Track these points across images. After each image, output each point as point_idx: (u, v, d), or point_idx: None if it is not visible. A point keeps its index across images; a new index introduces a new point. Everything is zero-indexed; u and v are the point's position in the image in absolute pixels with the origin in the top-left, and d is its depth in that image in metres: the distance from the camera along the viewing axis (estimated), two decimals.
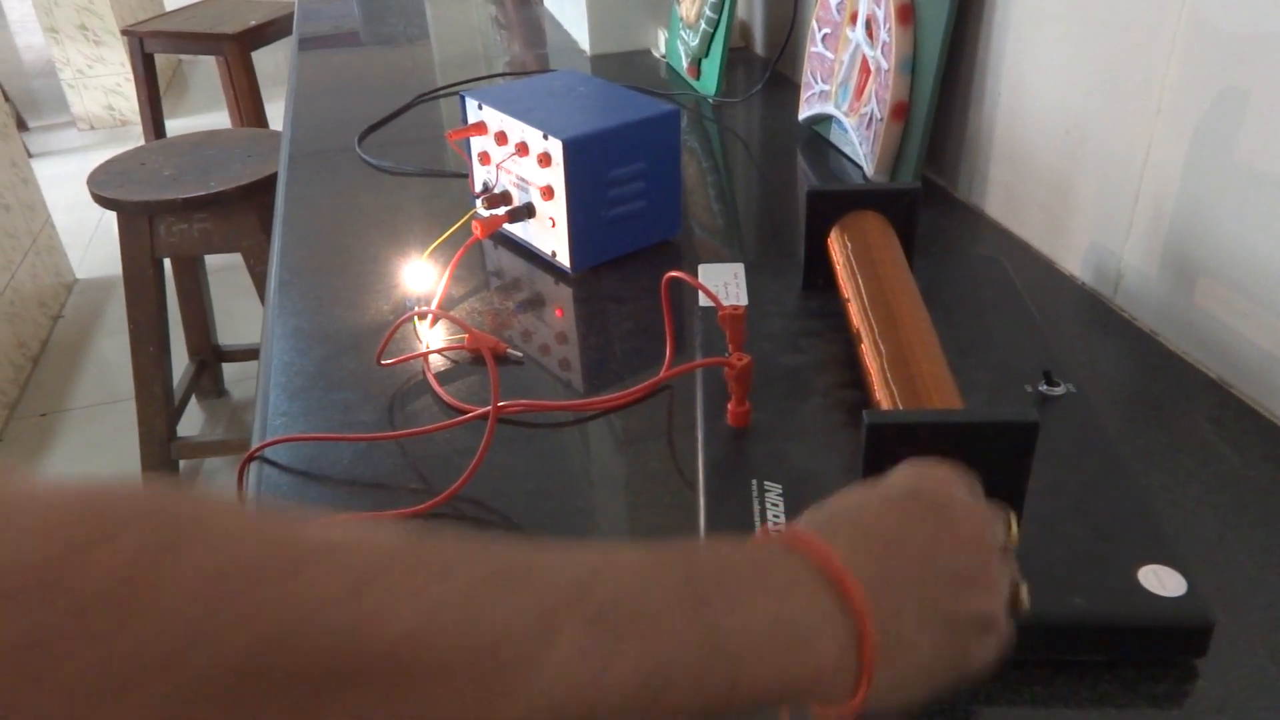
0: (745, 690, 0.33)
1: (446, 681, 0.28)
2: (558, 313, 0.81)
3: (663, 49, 1.38)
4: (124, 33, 2.64)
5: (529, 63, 1.44)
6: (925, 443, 0.46)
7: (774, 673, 0.33)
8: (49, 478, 0.26)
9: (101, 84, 3.81)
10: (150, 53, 2.61)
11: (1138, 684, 0.45)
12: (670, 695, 0.31)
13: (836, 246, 0.68)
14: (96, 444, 2.12)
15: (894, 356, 0.54)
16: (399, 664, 0.27)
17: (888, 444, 0.46)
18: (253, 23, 2.55)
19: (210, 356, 2.16)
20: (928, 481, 0.41)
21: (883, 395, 0.52)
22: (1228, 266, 0.65)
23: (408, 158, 1.09)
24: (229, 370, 2.26)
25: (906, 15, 0.89)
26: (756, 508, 0.53)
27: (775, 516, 0.52)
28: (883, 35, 0.92)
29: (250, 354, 2.23)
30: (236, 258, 1.78)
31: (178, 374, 1.97)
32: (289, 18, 2.65)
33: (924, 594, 0.37)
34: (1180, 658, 0.46)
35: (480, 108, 0.86)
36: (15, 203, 2.53)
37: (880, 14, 0.92)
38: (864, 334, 0.58)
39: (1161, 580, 0.46)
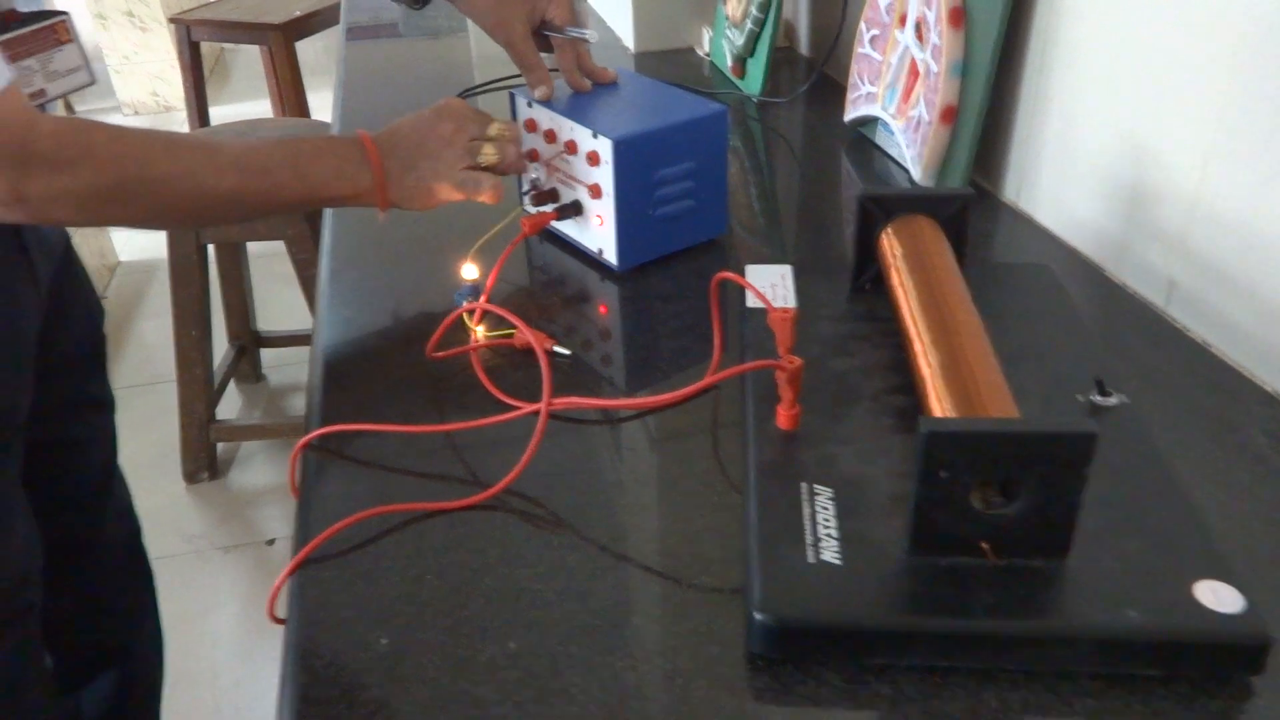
0: (321, 196, 0.76)
1: (229, 202, 0.72)
2: (603, 310, 0.82)
3: (707, 47, 1.38)
4: (172, 20, 2.68)
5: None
6: (981, 451, 0.46)
7: (334, 190, 0.76)
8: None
9: (147, 70, 3.86)
10: (197, 41, 2.64)
11: (1193, 700, 0.45)
12: (282, 194, 0.74)
13: (887, 250, 0.68)
14: (136, 425, 2.15)
15: (948, 363, 0.54)
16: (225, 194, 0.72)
17: (944, 452, 0.46)
18: (297, 13, 2.57)
19: (249, 341, 2.19)
20: (439, 106, 0.81)
21: (936, 402, 0.52)
22: None
23: None
24: (267, 355, 2.29)
25: (958, 18, 0.89)
26: (807, 510, 0.53)
27: (826, 520, 0.52)
28: (933, 38, 0.91)
29: (288, 340, 2.25)
30: (274, 245, 1.81)
31: (217, 358, 2.00)
32: (331, 9, 2.67)
33: (411, 152, 0.78)
34: (1236, 675, 0.46)
35: (530, 105, 0.86)
36: None
37: (931, 16, 0.92)
38: (916, 340, 0.58)
39: (1218, 596, 0.45)
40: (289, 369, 2.31)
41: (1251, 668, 0.45)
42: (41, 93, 0.82)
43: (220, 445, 2.01)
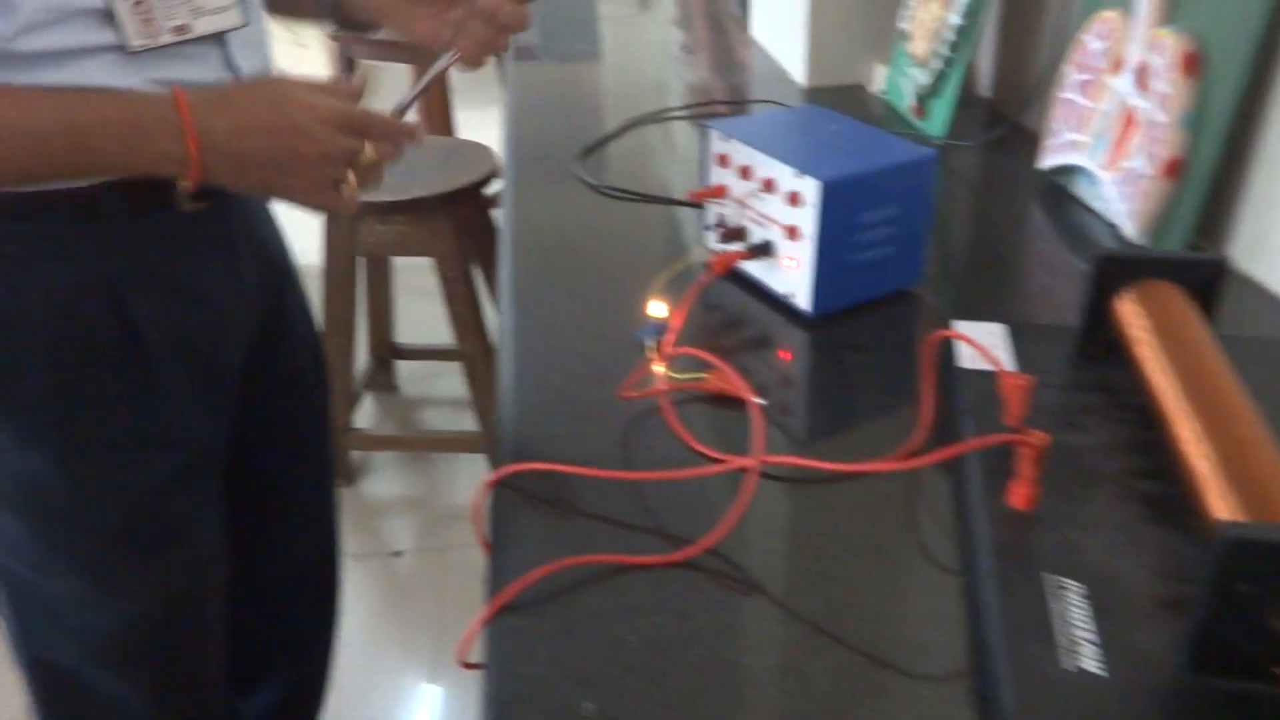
0: (107, 158, 0.67)
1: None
2: (786, 355, 0.78)
3: (880, 85, 1.34)
4: (332, 39, 2.77)
5: (722, 91, 1.42)
6: None
7: (124, 151, 0.66)
8: None
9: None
10: (352, 58, 2.73)
11: None
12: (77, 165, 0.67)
13: (1131, 318, 0.62)
14: None
15: (1229, 457, 0.48)
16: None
17: (1248, 563, 0.40)
18: None
19: (387, 353, 2.22)
20: (286, 84, 0.71)
21: (1219, 501, 0.47)
22: None
23: (616, 179, 1.08)
24: (402, 367, 2.32)
25: (1192, 65, 0.82)
26: (1055, 606, 0.48)
27: (1079, 621, 0.47)
28: (1160, 86, 0.85)
29: (423, 353, 2.29)
30: (414, 259, 1.83)
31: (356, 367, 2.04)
32: None
33: (256, 156, 0.68)
34: None
35: (726, 139, 0.83)
36: None
37: (1159, 63, 0.85)
38: (1181, 424, 0.52)
39: None
40: (422, 382, 2.34)
41: None
42: (184, 28, 0.74)
43: (354, 454, 2.05)
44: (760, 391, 0.71)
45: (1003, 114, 1.22)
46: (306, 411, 1.03)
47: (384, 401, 2.28)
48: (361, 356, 2.14)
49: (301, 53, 4.01)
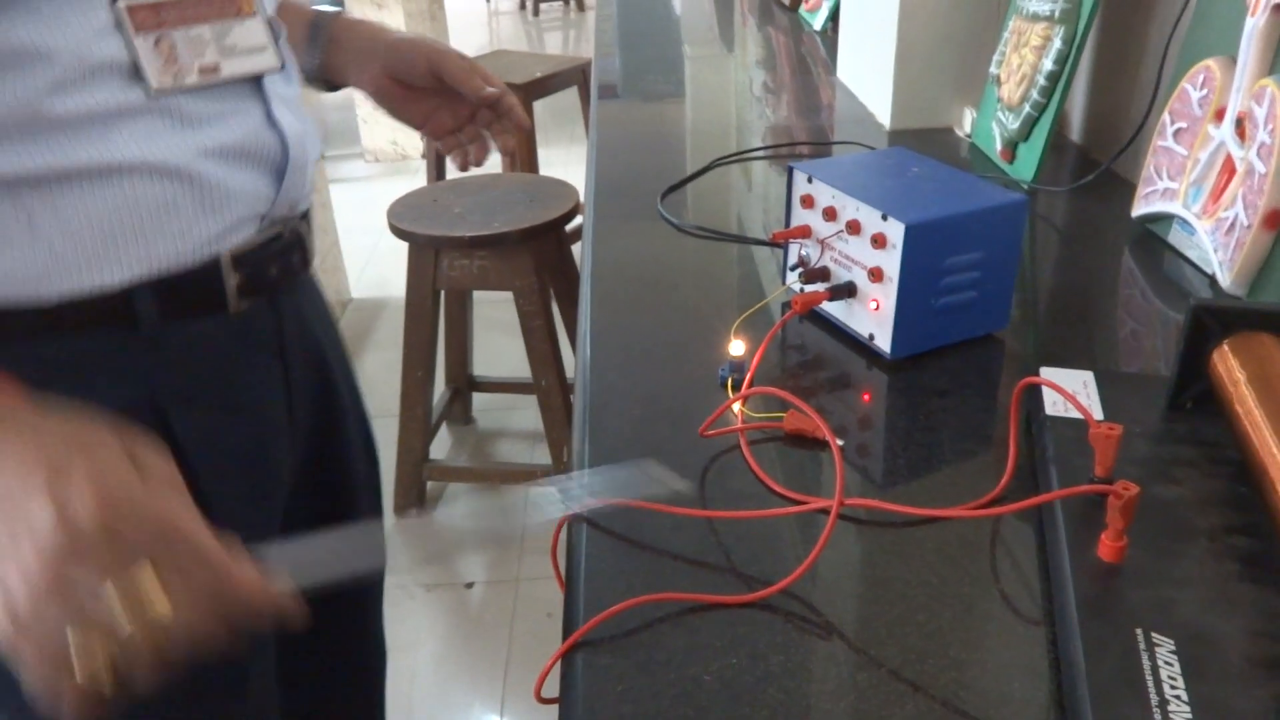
0: None
1: None
2: (866, 398, 0.78)
3: (967, 128, 1.33)
4: None
5: (805, 132, 1.43)
6: None
7: None
8: None
9: (390, 121, 4.16)
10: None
11: None
12: None
13: (1227, 370, 0.60)
14: None
15: None
16: None
17: None
18: (538, 74, 2.70)
19: (464, 385, 2.27)
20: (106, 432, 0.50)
21: None
22: None
23: (697, 218, 1.09)
24: (477, 399, 2.36)
25: None
26: (1146, 664, 0.46)
27: (1171, 678, 0.45)
28: (1261, 135, 0.83)
29: (499, 386, 2.32)
30: (489, 292, 1.86)
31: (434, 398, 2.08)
32: (566, 72, 2.79)
33: None
34: None
35: (810, 180, 0.84)
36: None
37: (1260, 112, 0.83)
38: (1278, 479, 0.51)
39: None
40: (496, 414, 2.38)
41: None
42: (215, 68, 0.68)
43: (429, 483, 2.08)
44: (839, 433, 0.71)
45: (1094, 160, 1.20)
46: (357, 504, 0.97)
47: (459, 432, 2.32)
48: (439, 388, 2.19)
49: None
